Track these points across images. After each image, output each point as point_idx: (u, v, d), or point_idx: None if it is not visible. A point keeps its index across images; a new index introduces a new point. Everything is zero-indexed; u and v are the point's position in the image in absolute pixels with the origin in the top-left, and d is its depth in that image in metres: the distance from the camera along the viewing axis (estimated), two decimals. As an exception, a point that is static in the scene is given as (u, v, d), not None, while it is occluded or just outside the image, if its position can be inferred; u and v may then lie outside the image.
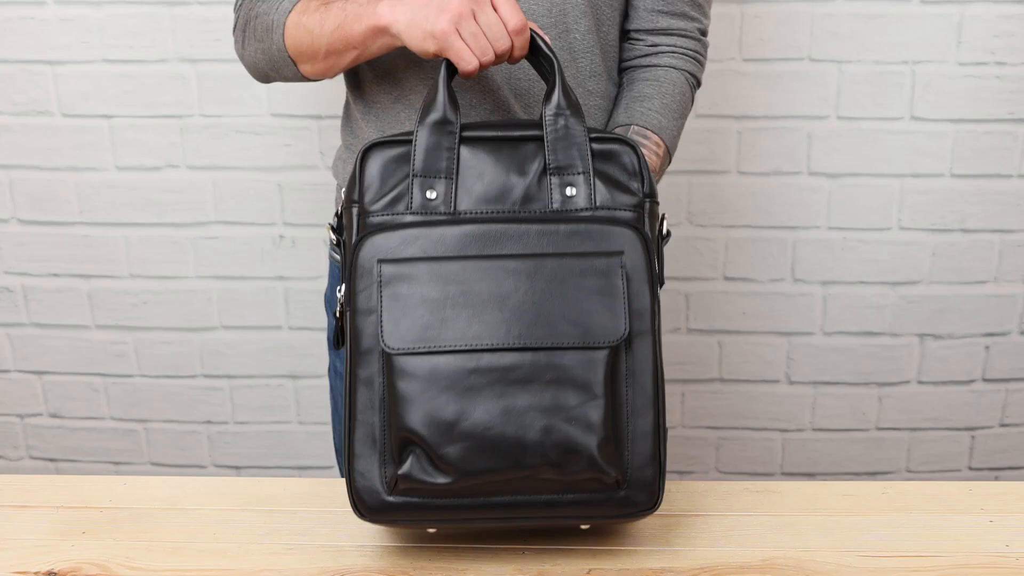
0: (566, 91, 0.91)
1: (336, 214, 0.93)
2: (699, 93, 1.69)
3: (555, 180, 0.88)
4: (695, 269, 1.87)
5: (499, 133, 0.90)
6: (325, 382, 1.96)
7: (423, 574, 0.87)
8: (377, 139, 0.91)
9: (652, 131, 1.10)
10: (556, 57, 0.92)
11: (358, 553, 0.91)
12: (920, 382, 1.94)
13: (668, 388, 1.94)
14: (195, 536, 0.94)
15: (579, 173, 0.89)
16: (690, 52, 1.16)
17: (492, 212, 0.88)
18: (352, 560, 0.90)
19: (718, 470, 2.02)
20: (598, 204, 0.88)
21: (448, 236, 0.85)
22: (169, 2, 1.71)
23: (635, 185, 0.89)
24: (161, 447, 2.03)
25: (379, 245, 0.85)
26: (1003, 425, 1.98)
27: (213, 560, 0.90)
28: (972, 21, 1.69)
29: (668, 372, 1.93)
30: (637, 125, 1.10)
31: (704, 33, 1.18)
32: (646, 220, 0.90)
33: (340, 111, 1.74)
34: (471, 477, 0.82)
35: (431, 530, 0.89)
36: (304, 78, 1.11)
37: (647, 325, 0.85)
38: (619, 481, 0.83)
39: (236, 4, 1.15)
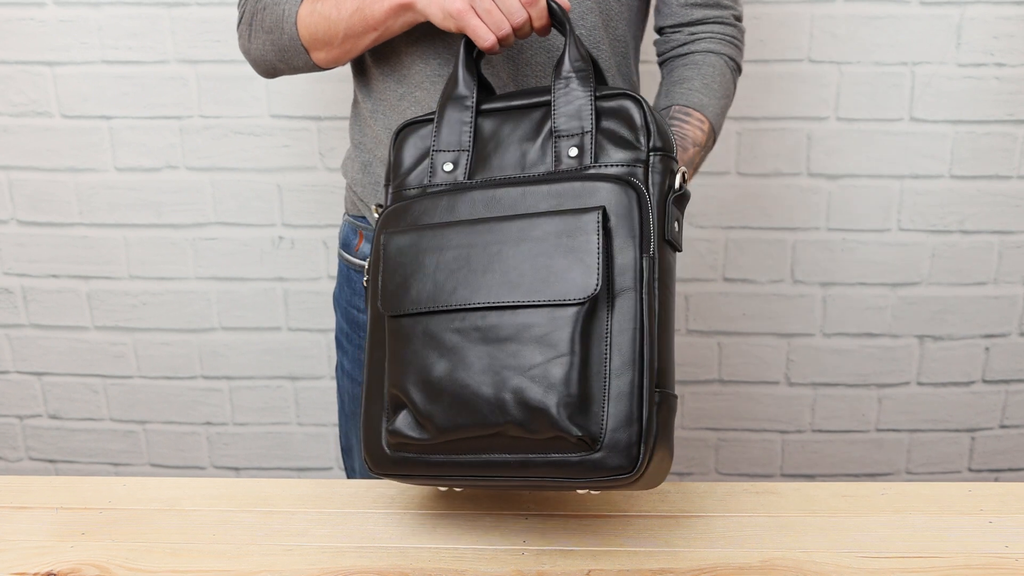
0: (575, 53, 0.91)
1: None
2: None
3: (559, 143, 0.89)
4: (695, 270, 1.87)
5: (513, 103, 0.93)
6: (324, 383, 1.96)
7: (422, 575, 0.87)
8: (408, 120, 0.95)
9: (694, 109, 1.10)
10: (568, 21, 0.94)
11: (357, 554, 0.90)
12: (920, 383, 1.94)
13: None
14: (194, 537, 0.94)
15: (579, 134, 0.89)
16: (728, 37, 1.17)
17: (492, 179, 0.90)
18: (351, 561, 0.89)
19: (717, 471, 2.02)
20: (598, 162, 0.88)
21: (442, 206, 0.88)
22: (168, 3, 1.71)
23: (641, 139, 0.87)
24: (160, 448, 2.03)
25: (387, 218, 0.91)
26: (1003, 426, 1.97)
27: (212, 561, 0.90)
28: (971, 22, 1.69)
29: (668, 373, 1.93)
30: (678, 105, 1.11)
31: (739, 19, 1.19)
32: (650, 174, 0.87)
33: (339, 113, 1.75)
34: (447, 433, 0.83)
35: (442, 488, 0.91)
36: (314, 67, 1.13)
37: (630, 283, 0.82)
38: (587, 441, 0.80)
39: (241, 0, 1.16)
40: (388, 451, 0.87)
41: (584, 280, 0.81)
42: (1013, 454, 2.00)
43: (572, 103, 0.90)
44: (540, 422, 0.80)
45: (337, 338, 1.29)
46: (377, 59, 1.13)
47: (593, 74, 0.91)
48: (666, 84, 1.16)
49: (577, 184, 0.85)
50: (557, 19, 0.96)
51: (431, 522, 0.95)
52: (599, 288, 0.80)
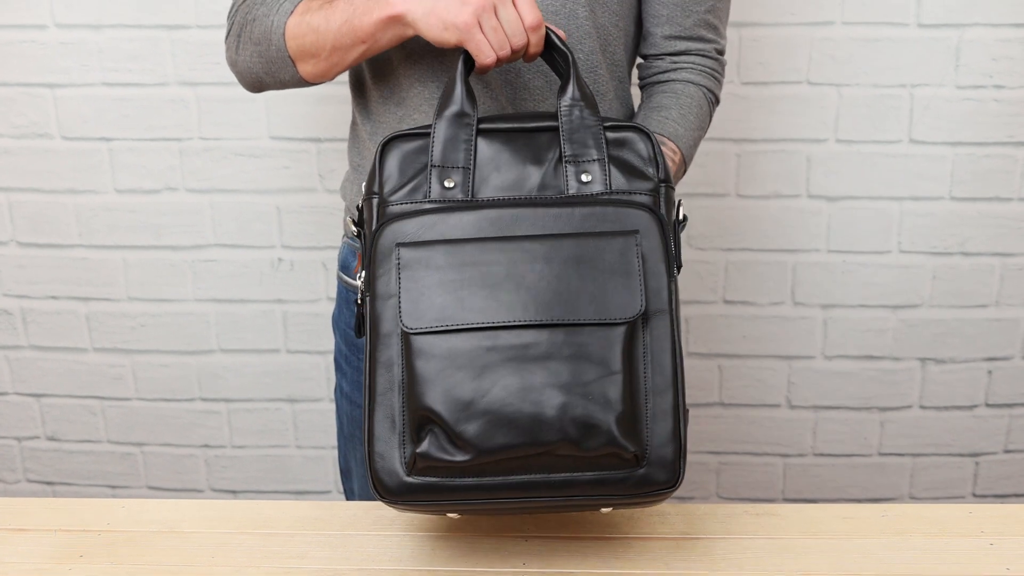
0: (580, 84, 0.93)
1: (357, 207, 0.94)
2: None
3: (571, 168, 0.90)
4: (695, 293, 1.86)
5: (515, 125, 0.93)
6: (323, 406, 1.95)
7: (421, 598, 0.87)
8: (396, 132, 0.93)
9: (668, 138, 1.12)
10: (571, 52, 0.95)
11: (355, 576, 0.90)
12: (922, 407, 1.93)
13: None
14: (193, 560, 0.93)
15: (594, 160, 0.91)
16: (708, 68, 1.18)
17: (509, 198, 0.90)
18: (349, 584, 0.89)
19: (719, 495, 2.01)
20: (614, 189, 0.90)
21: (465, 220, 0.87)
22: (169, 26, 1.72)
23: (650, 170, 0.91)
24: (158, 470, 2.02)
25: (398, 231, 0.87)
26: (1007, 451, 1.97)
27: (209, 583, 0.89)
28: (970, 44, 1.69)
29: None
30: (654, 133, 1.11)
31: (721, 52, 1.20)
32: (662, 204, 0.91)
33: (339, 134, 1.75)
34: (489, 455, 0.82)
35: (452, 515, 0.90)
36: (301, 81, 1.11)
37: (664, 304, 0.86)
38: (638, 457, 0.83)
39: (231, 12, 1.15)
40: (408, 478, 0.84)
41: (630, 300, 0.84)
42: (1018, 479, 1.99)
43: (582, 130, 0.91)
44: (596, 439, 0.82)
45: (336, 360, 1.29)
46: (376, 81, 1.13)
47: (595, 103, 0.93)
48: (644, 109, 1.17)
49: (610, 209, 0.87)
50: (556, 49, 0.96)
51: (430, 544, 0.95)
52: (644, 308, 0.84)
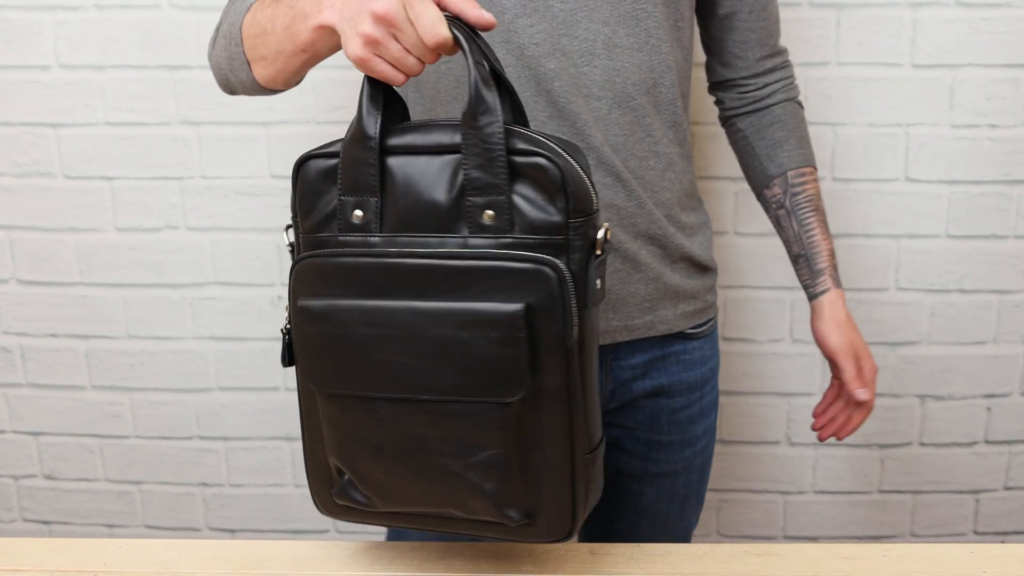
0: (482, 100, 0.81)
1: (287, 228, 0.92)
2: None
3: (474, 200, 0.82)
4: (693, 330, 1.86)
5: (418, 142, 0.84)
6: (322, 443, 1.94)
7: (420, 639, 0.86)
8: (311, 152, 0.87)
9: (804, 167, 1.25)
10: (477, 46, 0.83)
11: (354, 618, 0.89)
12: (922, 444, 1.93)
13: (667, 449, 1.92)
14: (188, 600, 0.93)
15: (498, 194, 0.81)
16: (791, 80, 1.28)
17: (418, 250, 0.82)
18: (347, 625, 0.88)
19: (719, 533, 2.00)
20: (516, 229, 0.81)
21: (362, 272, 0.83)
22: (171, 66, 1.74)
23: (558, 204, 0.80)
24: (155, 509, 2.01)
25: (304, 276, 0.86)
26: (1007, 488, 1.96)
27: (206, 625, 0.89)
28: (964, 84, 1.71)
29: (667, 433, 1.92)
30: (792, 170, 1.24)
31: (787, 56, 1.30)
32: (570, 243, 0.81)
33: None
34: (391, 506, 0.89)
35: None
36: (258, 85, 1.07)
37: (560, 380, 0.81)
38: (528, 516, 0.86)
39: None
40: (338, 501, 0.92)
41: (519, 377, 0.80)
42: (1018, 516, 1.98)
43: (486, 154, 0.81)
44: (481, 507, 0.85)
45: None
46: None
47: (510, 121, 0.83)
48: (763, 147, 1.25)
49: (499, 281, 0.79)
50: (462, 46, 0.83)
51: (429, 585, 0.94)
52: (531, 388, 0.81)
